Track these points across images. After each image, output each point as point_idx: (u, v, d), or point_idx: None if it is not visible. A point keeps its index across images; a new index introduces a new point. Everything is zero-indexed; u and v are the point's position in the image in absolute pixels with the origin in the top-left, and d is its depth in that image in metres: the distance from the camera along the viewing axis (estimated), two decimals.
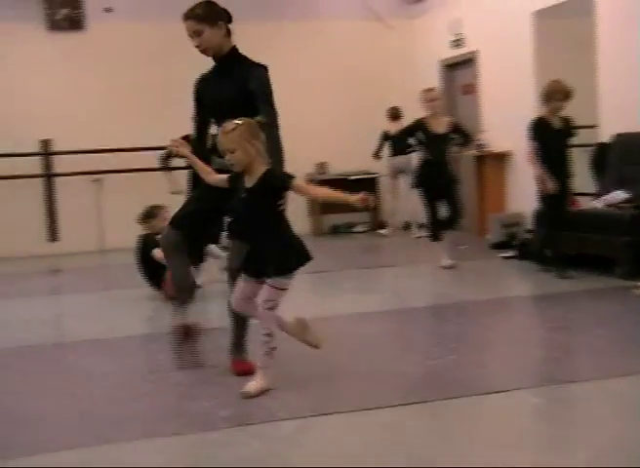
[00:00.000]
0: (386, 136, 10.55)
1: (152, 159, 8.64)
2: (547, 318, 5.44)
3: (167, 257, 4.30)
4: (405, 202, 10.82)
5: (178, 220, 4.22)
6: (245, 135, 3.64)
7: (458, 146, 7.85)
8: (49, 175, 10.61)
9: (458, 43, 10.56)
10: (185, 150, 4.00)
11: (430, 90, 7.78)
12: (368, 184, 11.40)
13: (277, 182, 3.68)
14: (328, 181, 11.27)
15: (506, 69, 9.38)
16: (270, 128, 3.84)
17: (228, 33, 4.15)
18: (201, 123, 4.31)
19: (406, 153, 10.19)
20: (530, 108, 8.04)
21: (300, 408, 3.58)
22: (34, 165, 10.51)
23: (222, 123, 3.77)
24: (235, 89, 4.03)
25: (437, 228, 7.75)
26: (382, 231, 11.00)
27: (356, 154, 10.89)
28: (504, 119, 9.27)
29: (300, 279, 7.53)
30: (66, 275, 9.15)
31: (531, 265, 7.40)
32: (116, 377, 4.23)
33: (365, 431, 3.31)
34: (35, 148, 10.48)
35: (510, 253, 8.03)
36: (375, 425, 3.36)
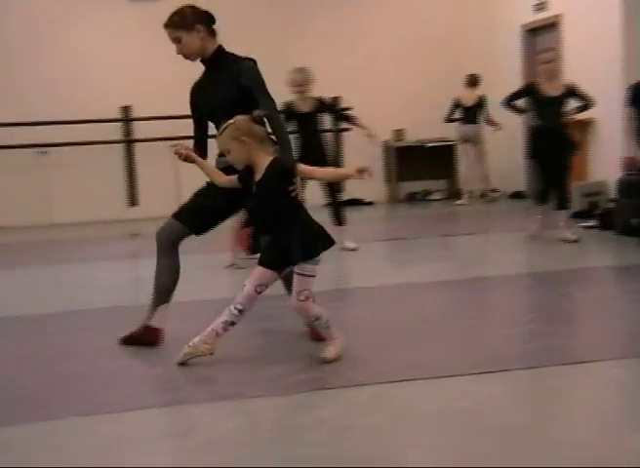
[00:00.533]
0: (457, 104, 10.52)
1: None
2: (630, 289, 5.29)
3: (158, 253, 4.06)
4: (476, 169, 10.74)
5: (184, 215, 4.05)
6: (234, 133, 3.66)
7: (576, 110, 7.39)
8: (129, 141, 10.80)
9: (540, 7, 10.29)
10: (192, 154, 3.96)
11: (545, 51, 7.59)
12: (445, 151, 11.33)
13: (280, 169, 3.68)
14: (405, 148, 11.25)
15: (592, 34, 9.09)
16: (271, 117, 3.84)
17: (211, 35, 4.17)
18: (200, 130, 4.27)
19: (475, 122, 10.34)
20: (616, 76, 7.81)
21: (376, 373, 3.59)
22: (115, 131, 10.70)
23: (221, 124, 3.75)
24: (227, 86, 4.04)
25: (545, 193, 7.41)
26: (459, 201, 10.88)
27: (433, 121, 10.76)
28: (588, 86, 8.95)
29: (376, 246, 7.58)
30: (145, 239, 9.29)
31: (613, 235, 7.23)
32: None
33: (442, 398, 3.29)
34: (116, 115, 10.67)
35: (591, 223, 7.87)
36: (453, 393, 3.34)
